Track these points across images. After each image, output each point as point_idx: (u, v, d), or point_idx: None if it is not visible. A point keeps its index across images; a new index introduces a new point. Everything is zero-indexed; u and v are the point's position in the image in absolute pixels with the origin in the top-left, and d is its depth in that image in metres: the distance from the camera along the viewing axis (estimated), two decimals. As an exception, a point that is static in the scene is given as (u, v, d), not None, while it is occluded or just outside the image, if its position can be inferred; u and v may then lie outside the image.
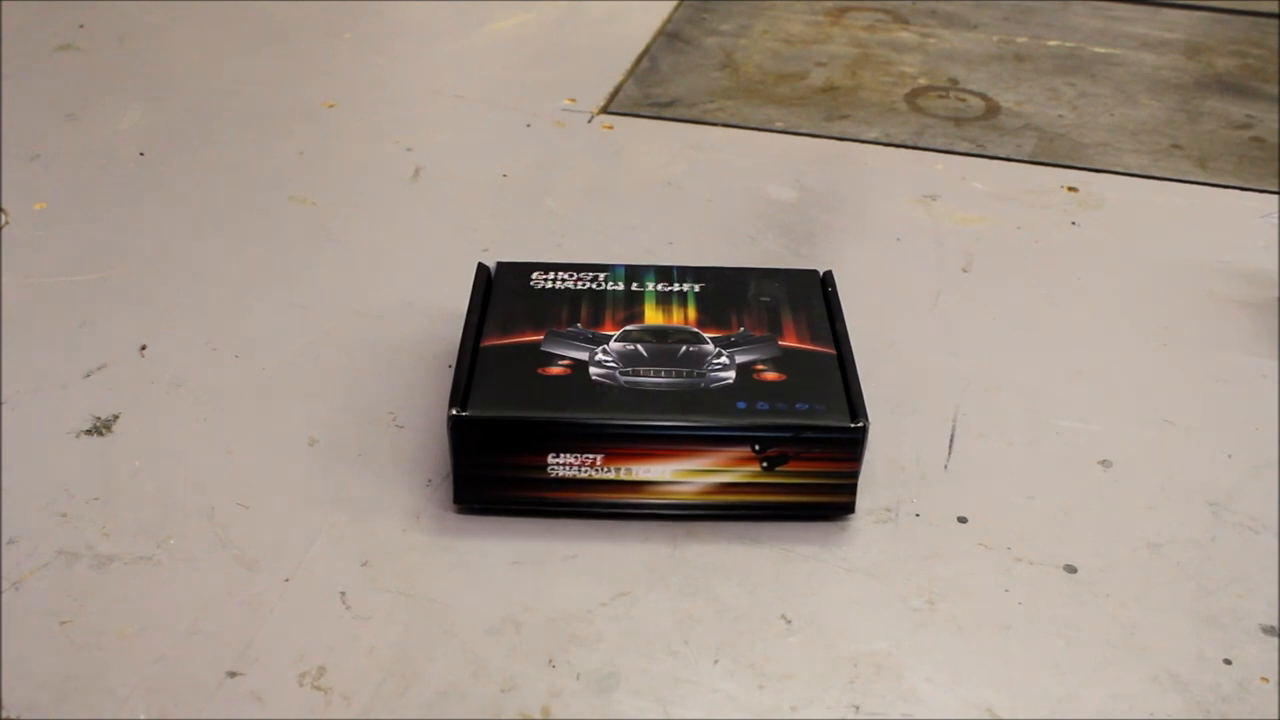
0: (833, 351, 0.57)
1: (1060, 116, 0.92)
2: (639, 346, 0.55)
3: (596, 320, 0.58)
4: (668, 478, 0.52)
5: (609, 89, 0.95)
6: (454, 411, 0.51)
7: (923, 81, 0.98)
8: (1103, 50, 1.05)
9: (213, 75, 0.95)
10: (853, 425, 0.51)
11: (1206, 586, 0.51)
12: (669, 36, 1.06)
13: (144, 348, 0.64)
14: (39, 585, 0.50)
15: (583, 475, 0.52)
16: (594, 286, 0.60)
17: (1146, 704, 0.46)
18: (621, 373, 0.54)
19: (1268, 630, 0.49)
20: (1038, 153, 0.87)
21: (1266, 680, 0.47)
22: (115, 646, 0.47)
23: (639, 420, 0.52)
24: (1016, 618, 0.49)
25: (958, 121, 0.91)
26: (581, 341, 0.56)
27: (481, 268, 0.63)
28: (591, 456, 0.52)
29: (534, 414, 0.52)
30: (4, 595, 0.49)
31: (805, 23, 1.10)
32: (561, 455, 0.52)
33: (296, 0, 1.08)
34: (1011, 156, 0.86)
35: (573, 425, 0.51)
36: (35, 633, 0.47)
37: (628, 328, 0.57)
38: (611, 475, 0.52)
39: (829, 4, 1.14)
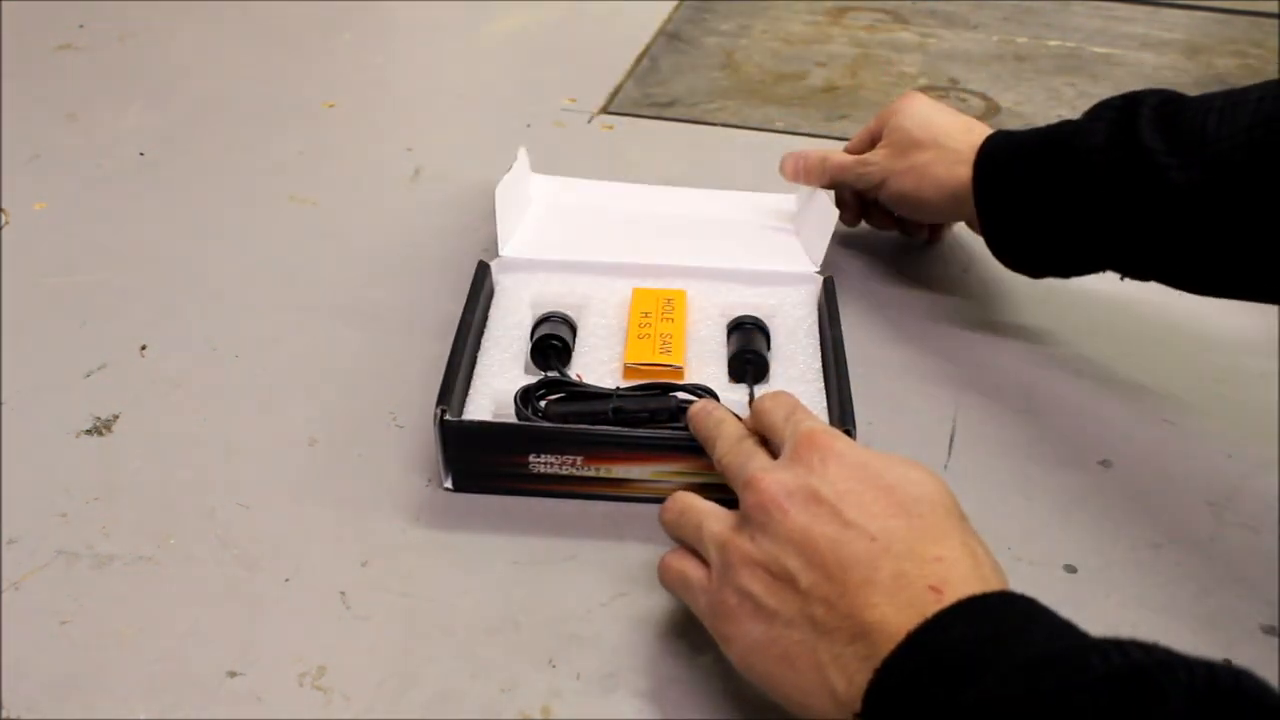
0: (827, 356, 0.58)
1: (1060, 116, 0.92)
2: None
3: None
4: (648, 477, 0.52)
5: (609, 89, 0.95)
6: (439, 412, 0.52)
7: (923, 81, 0.98)
8: (1103, 50, 1.05)
9: (213, 75, 0.95)
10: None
11: (1206, 586, 0.51)
12: (669, 36, 1.06)
13: (144, 348, 0.64)
14: (39, 585, 0.50)
15: (564, 473, 0.53)
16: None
17: (1146, 704, 0.46)
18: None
19: (1268, 630, 0.49)
20: (1038, 153, 0.87)
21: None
22: (115, 646, 0.47)
23: (615, 431, 0.52)
24: (1016, 618, 0.49)
25: (958, 121, 0.91)
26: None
27: (482, 265, 0.63)
28: (571, 457, 0.52)
29: (514, 420, 0.54)
30: (4, 595, 0.49)
31: (805, 23, 1.10)
32: (543, 455, 0.52)
33: (296, 0, 1.08)
34: (1011, 156, 0.86)
35: (550, 431, 0.53)
36: (35, 633, 0.47)
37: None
38: (592, 473, 0.53)
39: (829, 4, 1.14)
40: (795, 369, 0.58)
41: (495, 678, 0.46)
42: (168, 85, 0.93)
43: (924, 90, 0.96)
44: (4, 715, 0.44)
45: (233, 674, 0.46)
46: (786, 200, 0.72)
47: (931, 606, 0.36)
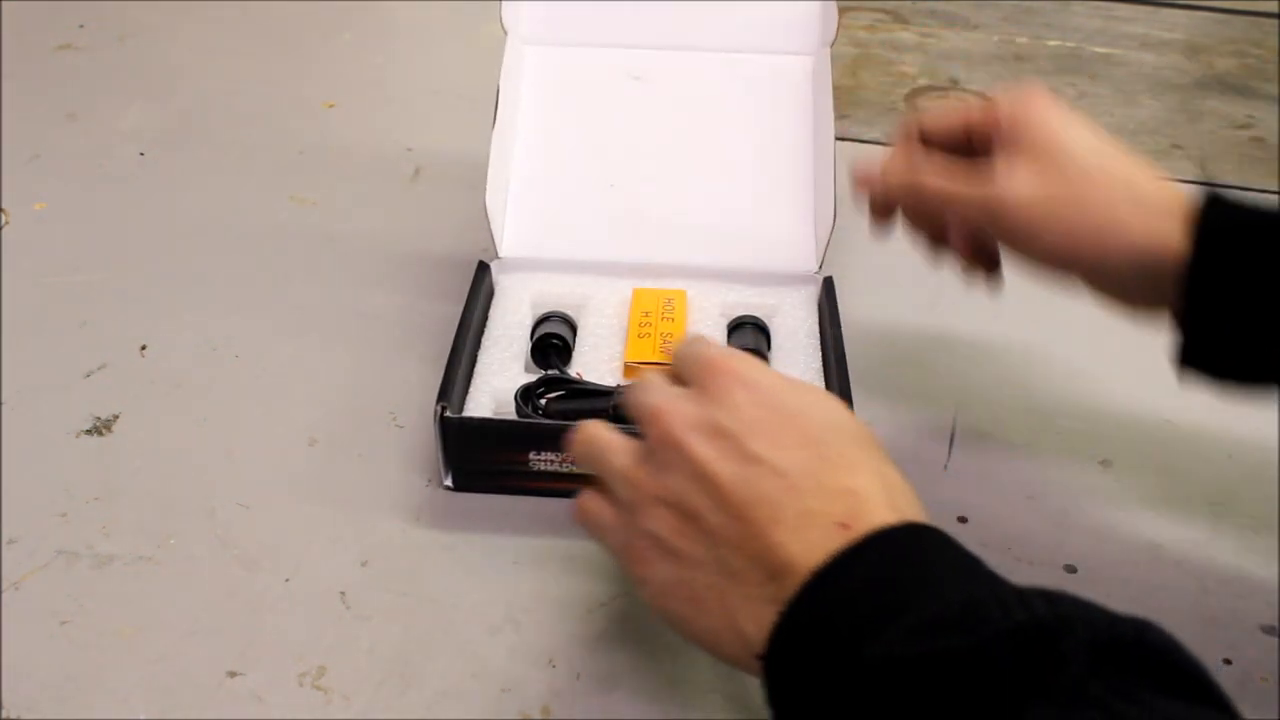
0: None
1: (1060, 116, 0.92)
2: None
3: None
4: None
5: (609, 89, 0.95)
6: (440, 409, 0.52)
7: (923, 81, 0.98)
8: (1103, 50, 1.05)
9: (213, 75, 0.95)
10: None
11: (1206, 586, 0.51)
12: (669, 36, 1.06)
13: (144, 348, 0.64)
14: (39, 585, 0.50)
15: (565, 470, 0.53)
16: None
17: (1146, 704, 0.46)
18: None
19: (1268, 630, 0.49)
20: (1038, 153, 0.87)
21: (1266, 680, 0.47)
22: (115, 646, 0.47)
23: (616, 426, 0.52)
24: (1016, 618, 0.49)
25: (958, 121, 0.91)
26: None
27: (482, 265, 0.63)
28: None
29: (514, 418, 0.54)
30: (4, 595, 0.49)
31: (805, 23, 1.10)
32: (543, 453, 0.52)
33: (296, 0, 1.08)
34: (1011, 156, 0.86)
35: (550, 428, 0.52)
36: (35, 633, 0.47)
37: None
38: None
39: (829, 4, 1.14)
40: (795, 369, 0.58)
41: (495, 678, 0.46)
42: (168, 85, 0.93)
43: (924, 90, 0.96)
44: (4, 715, 0.44)
45: (233, 674, 0.46)
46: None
47: (838, 543, 0.35)
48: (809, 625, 0.34)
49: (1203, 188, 0.46)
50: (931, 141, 0.52)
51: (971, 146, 0.51)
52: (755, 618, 0.36)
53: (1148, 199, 0.45)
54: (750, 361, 0.41)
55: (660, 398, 0.40)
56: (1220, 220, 0.44)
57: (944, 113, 0.52)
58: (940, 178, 0.50)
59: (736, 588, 0.37)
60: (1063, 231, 0.46)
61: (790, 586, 0.35)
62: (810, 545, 0.35)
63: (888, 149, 0.54)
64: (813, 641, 0.34)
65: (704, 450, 0.38)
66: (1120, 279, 0.47)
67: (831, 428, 0.38)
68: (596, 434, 0.43)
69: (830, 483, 0.37)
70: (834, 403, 0.40)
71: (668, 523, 0.38)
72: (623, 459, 0.41)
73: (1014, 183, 0.47)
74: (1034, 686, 0.29)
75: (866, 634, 0.32)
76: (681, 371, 0.43)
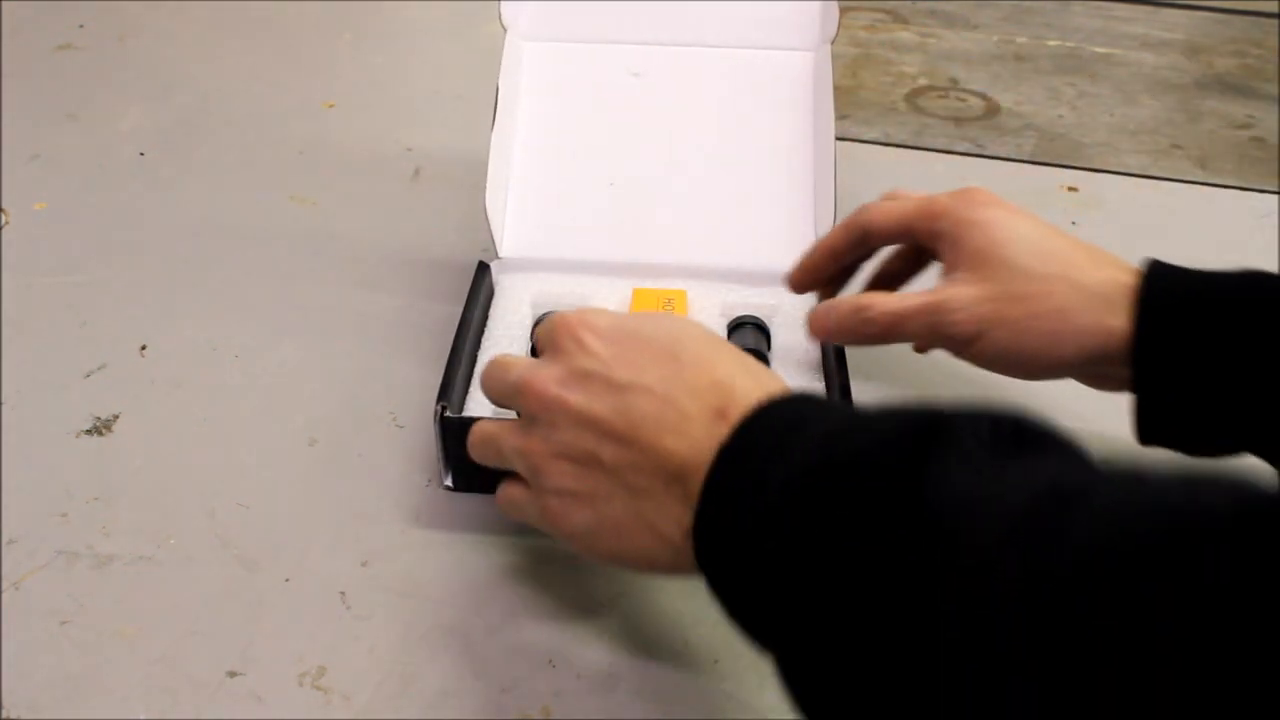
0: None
1: (1060, 116, 0.92)
2: None
3: None
4: None
5: (609, 89, 0.95)
6: (440, 409, 0.52)
7: (923, 81, 0.98)
8: (1103, 50, 1.05)
9: (213, 75, 0.95)
10: None
11: (1206, 586, 0.51)
12: (669, 36, 1.06)
13: (144, 348, 0.64)
14: (39, 585, 0.50)
15: None
16: None
17: (1146, 704, 0.46)
18: None
19: (1268, 630, 0.49)
20: (1038, 153, 0.87)
21: (1266, 680, 0.47)
22: (115, 646, 0.47)
23: None
24: (1016, 618, 0.49)
25: (958, 121, 0.91)
26: None
27: (482, 265, 0.63)
28: None
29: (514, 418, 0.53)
30: (4, 595, 0.49)
31: (805, 23, 1.10)
32: None
33: (296, 0, 1.08)
34: (1011, 156, 0.86)
35: None
36: (35, 633, 0.47)
37: None
38: None
39: (829, 4, 1.14)
40: (795, 368, 0.58)
41: (495, 678, 0.46)
42: (168, 85, 0.93)
43: (923, 91, 0.96)
44: (4, 715, 0.44)
45: (233, 674, 0.46)
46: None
47: (722, 429, 0.37)
48: (722, 498, 0.36)
49: (1146, 261, 0.47)
50: (874, 240, 0.54)
51: (915, 243, 0.53)
52: (675, 520, 0.38)
53: (1089, 286, 0.46)
54: (587, 310, 0.44)
55: (520, 371, 0.43)
56: (1162, 298, 0.45)
57: (887, 212, 0.52)
58: (887, 301, 0.50)
59: (649, 503, 0.39)
60: (1009, 330, 0.47)
61: (694, 481, 0.37)
62: (698, 441, 0.38)
63: (825, 237, 0.56)
64: (729, 509, 0.36)
65: (577, 398, 0.41)
66: (1078, 369, 0.49)
67: (681, 338, 0.41)
68: (484, 429, 0.46)
69: (697, 382, 0.39)
70: (676, 318, 0.44)
71: (569, 474, 0.41)
72: (513, 438, 0.44)
73: (957, 287, 0.48)
74: (928, 456, 0.31)
75: (772, 469, 0.35)
76: (537, 347, 0.46)
